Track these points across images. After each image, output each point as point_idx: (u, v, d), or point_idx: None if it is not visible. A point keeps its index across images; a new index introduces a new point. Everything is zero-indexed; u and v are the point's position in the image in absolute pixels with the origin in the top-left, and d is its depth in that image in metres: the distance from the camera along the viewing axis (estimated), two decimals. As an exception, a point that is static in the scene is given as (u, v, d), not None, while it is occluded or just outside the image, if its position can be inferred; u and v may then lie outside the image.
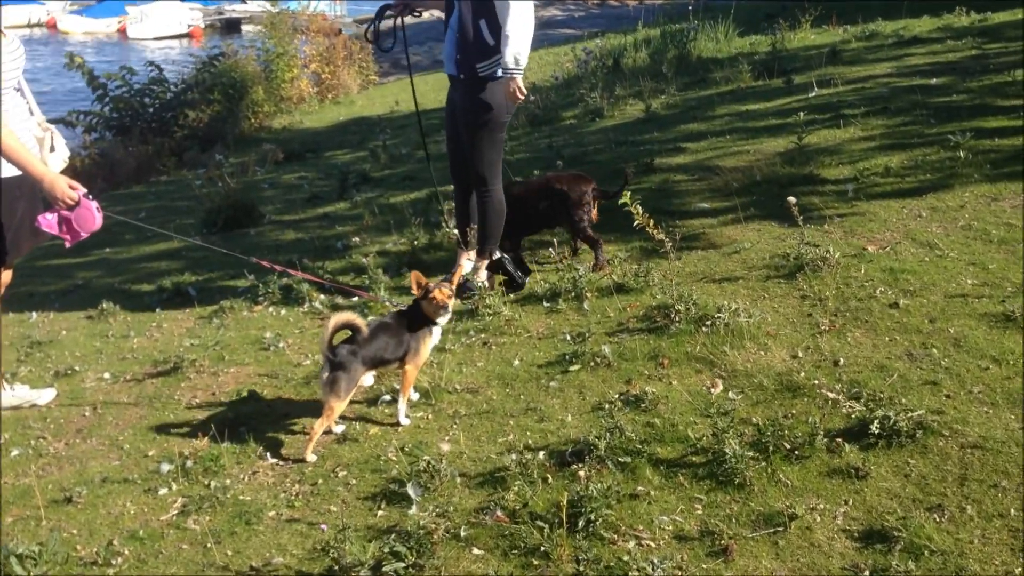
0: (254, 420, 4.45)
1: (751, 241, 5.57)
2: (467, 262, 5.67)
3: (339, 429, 4.21)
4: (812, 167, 6.64)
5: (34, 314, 6.60)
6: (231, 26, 41.29)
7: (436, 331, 4.27)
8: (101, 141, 14.20)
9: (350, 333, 4.07)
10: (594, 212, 5.85)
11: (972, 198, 5.55)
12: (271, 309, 5.98)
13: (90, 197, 4.41)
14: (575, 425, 3.91)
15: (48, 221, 4.39)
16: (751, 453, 3.35)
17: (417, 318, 4.20)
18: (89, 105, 14.47)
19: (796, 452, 3.38)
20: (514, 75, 5.00)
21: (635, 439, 3.60)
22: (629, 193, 5.38)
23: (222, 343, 5.39)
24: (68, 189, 4.31)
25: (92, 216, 4.44)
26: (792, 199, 5.07)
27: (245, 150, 14.22)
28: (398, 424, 4.18)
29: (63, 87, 23.33)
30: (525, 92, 5.09)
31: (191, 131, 14.43)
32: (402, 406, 4.21)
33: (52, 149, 4.56)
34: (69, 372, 5.36)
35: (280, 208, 9.16)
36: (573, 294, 5.20)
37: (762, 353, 4.18)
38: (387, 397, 4.40)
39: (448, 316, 4.23)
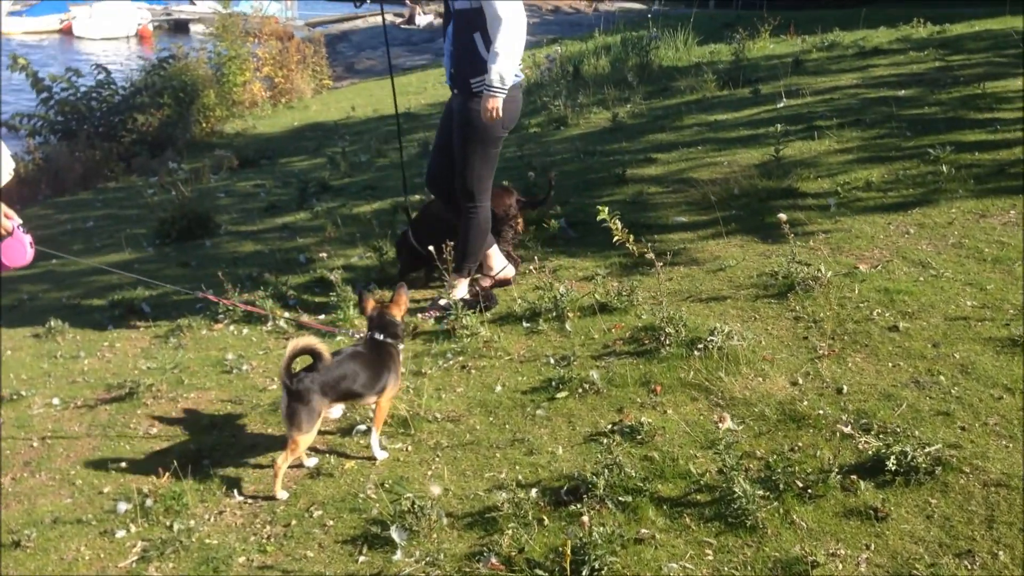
0: (218, 452, 4.16)
1: (735, 258, 5.38)
2: (459, 284, 5.39)
3: (311, 463, 3.93)
4: (791, 180, 6.48)
5: (-25, 332, 6.21)
6: (179, 27, 40.52)
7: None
8: (46, 146, 13.68)
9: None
10: (519, 224, 5.82)
11: (959, 214, 5.42)
12: (232, 328, 5.66)
13: (24, 229, 4.08)
14: (567, 459, 3.67)
15: None
16: (761, 492, 3.14)
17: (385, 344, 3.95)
18: (33, 108, 13.94)
19: (809, 491, 3.17)
20: (495, 94, 4.76)
21: (635, 476, 3.37)
22: (607, 208, 5.17)
23: (180, 365, 5.08)
24: (3, 218, 3.97)
25: (23, 251, 4.10)
26: (783, 216, 4.89)
27: (197, 156, 13.80)
28: (374, 458, 3.91)
29: (6, 89, 22.60)
30: (500, 115, 4.84)
31: (140, 136, 13.98)
32: (375, 440, 3.93)
33: None
34: (15, 397, 5.01)
35: (237, 218, 8.81)
36: (554, 314, 4.97)
37: (760, 380, 3.98)
38: (362, 427, 4.13)
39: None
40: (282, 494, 3.74)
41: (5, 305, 6.91)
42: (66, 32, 40.84)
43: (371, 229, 7.49)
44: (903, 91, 8.88)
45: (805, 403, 3.72)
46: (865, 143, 7.15)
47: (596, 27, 18.82)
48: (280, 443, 4.10)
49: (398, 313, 4.08)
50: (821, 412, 3.64)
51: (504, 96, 4.78)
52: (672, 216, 6.41)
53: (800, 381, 3.92)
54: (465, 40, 4.87)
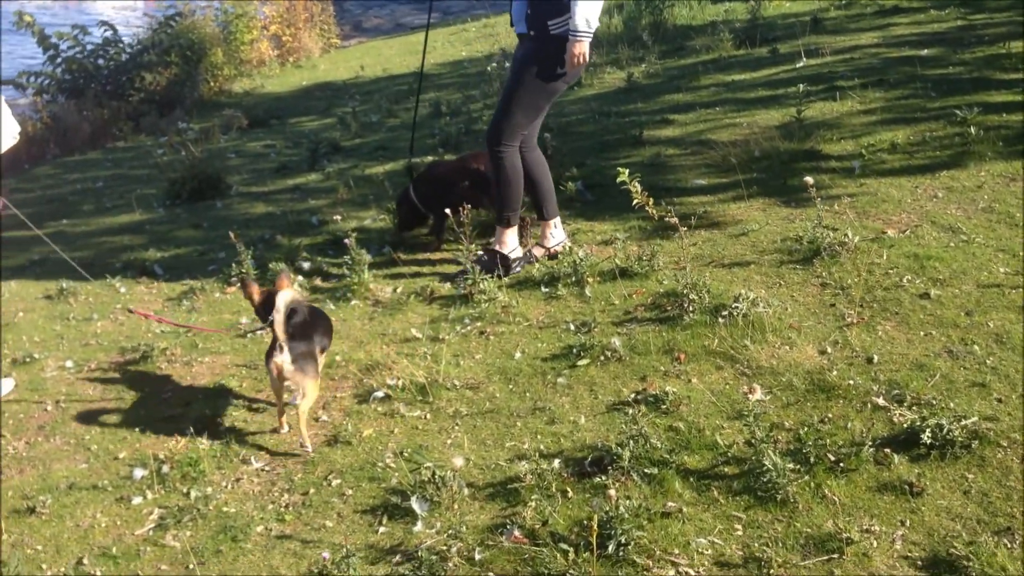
0: (234, 418, 4.09)
1: (757, 222, 5.27)
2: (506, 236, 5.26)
3: (308, 448, 3.77)
4: (813, 142, 6.34)
5: (-14, 294, 6.14)
6: (186, -16, 40.11)
7: None
8: (53, 104, 13.51)
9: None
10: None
11: (989, 178, 5.28)
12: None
13: None
14: (590, 428, 3.60)
15: None
16: (792, 465, 3.06)
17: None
18: (40, 66, 13.77)
19: (841, 464, 3.09)
20: (581, 38, 4.59)
21: (661, 447, 3.30)
22: (627, 170, 5.07)
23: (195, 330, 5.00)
24: None
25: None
26: (809, 179, 4.77)
27: (206, 115, 13.65)
28: (392, 431, 3.84)
29: (15, 47, 22.41)
30: (587, 59, 4.70)
31: (148, 95, 13.79)
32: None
33: None
34: (27, 360, 4.95)
35: (248, 179, 8.70)
36: (573, 279, 4.87)
37: (787, 348, 3.89)
38: (379, 393, 4.06)
39: None
40: (309, 447, 3.77)
41: (16, 266, 6.84)
42: (72, -12, 40.42)
43: (384, 191, 7.38)
44: (925, 50, 8.68)
45: (834, 373, 3.63)
46: (889, 104, 6.99)
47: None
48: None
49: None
50: (851, 382, 3.55)
51: (589, 40, 4.62)
52: (691, 179, 6.28)
53: (829, 350, 3.83)
54: None
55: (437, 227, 5.83)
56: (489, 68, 11.58)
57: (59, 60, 13.53)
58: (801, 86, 6.84)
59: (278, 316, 3.63)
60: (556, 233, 5.33)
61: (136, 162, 10.75)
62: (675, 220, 4.48)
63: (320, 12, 21.12)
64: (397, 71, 15.68)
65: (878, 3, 12.57)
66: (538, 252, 5.26)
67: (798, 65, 9.04)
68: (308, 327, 3.81)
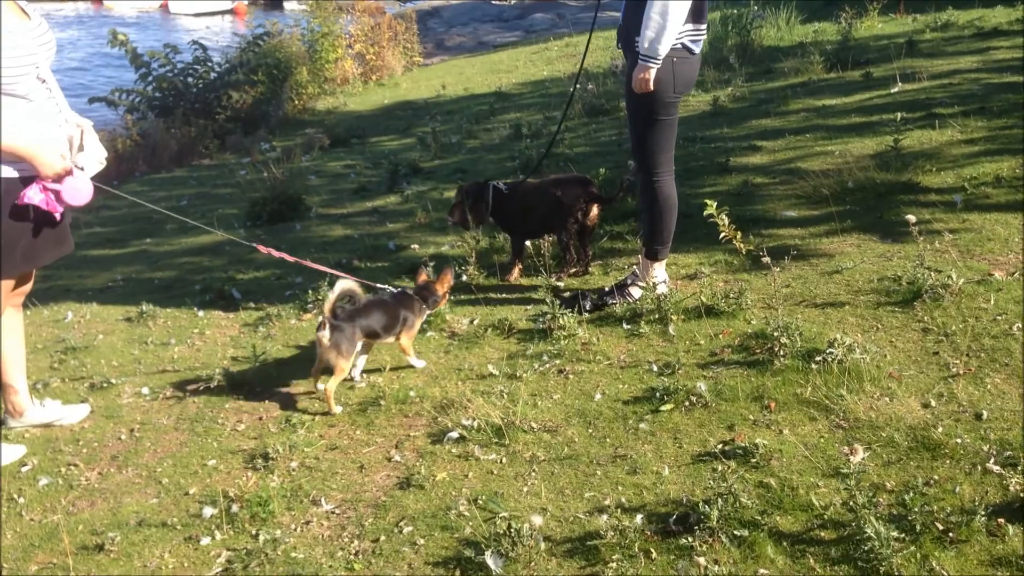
0: (304, 454, 3.99)
1: (852, 259, 5.02)
2: (654, 269, 5.04)
3: (338, 409, 4.33)
4: (910, 173, 6.06)
5: (70, 313, 6.19)
6: (274, 3, 40.87)
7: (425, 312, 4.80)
8: (143, 121, 13.81)
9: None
10: (592, 217, 5.47)
11: (1104, 217, 4.96)
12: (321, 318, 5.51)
13: (80, 167, 4.02)
14: (674, 481, 3.41)
15: (32, 196, 3.86)
16: (896, 533, 2.82)
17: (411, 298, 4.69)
18: (132, 84, 14.08)
19: (950, 534, 2.85)
20: (648, 63, 4.37)
21: (751, 507, 3.09)
22: (715, 202, 4.88)
23: (269, 357, 4.94)
24: (58, 158, 3.85)
25: (85, 185, 3.99)
26: (912, 217, 4.52)
27: (289, 134, 13.82)
28: (466, 475, 3.70)
29: (106, 64, 23.07)
30: (652, 87, 4.46)
31: (234, 113, 14.03)
32: (412, 359, 4.67)
33: (81, 148, 4.07)
34: (104, 385, 4.94)
35: (327, 200, 8.71)
36: (656, 316, 4.69)
37: (887, 400, 3.64)
38: (454, 434, 3.92)
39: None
40: (337, 408, 4.34)
41: (99, 286, 6.92)
42: (163, 9, 41.62)
43: (463, 216, 7.29)
44: (1029, 76, 8.30)
45: (940, 430, 3.38)
46: (992, 134, 6.66)
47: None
48: (370, 445, 3.96)
49: (440, 289, 4.80)
50: (959, 441, 3.29)
51: (657, 67, 4.39)
52: (780, 210, 6.05)
53: (933, 403, 3.58)
54: None
55: (516, 250, 5.70)
56: (572, 89, 11.42)
57: (150, 78, 13.81)
58: (899, 114, 6.56)
59: (329, 297, 4.30)
60: (659, 274, 5.06)
61: (220, 181, 10.89)
62: (767, 259, 4.25)
63: (404, 31, 21.32)
64: (478, 90, 15.67)
65: (976, 25, 12.13)
66: (636, 293, 5.02)
67: (893, 90, 8.73)
68: (356, 313, 4.40)
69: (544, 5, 32.49)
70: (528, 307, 5.22)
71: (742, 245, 5.05)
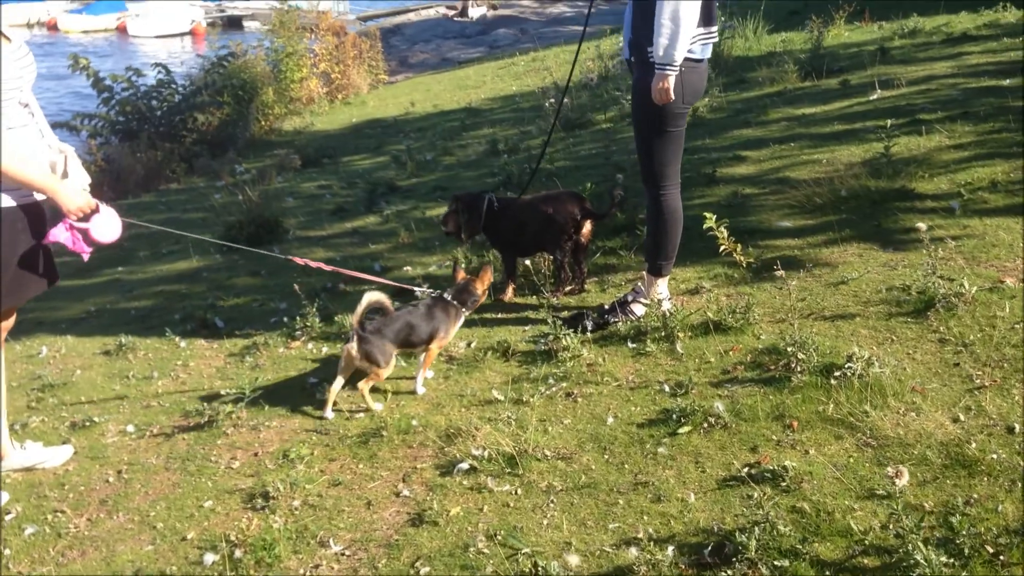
0: (307, 491, 3.80)
1: (856, 269, 4.92)
2: (658, 285, 4.91)
3: (378, 407, 4.39)
4: (904, 180, 5.98)
5: (44, 348, 5.95)
6: (233, 23, 40.60)
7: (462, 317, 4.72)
8: (107, 146, 13.52)
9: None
10: (584, 234, 5.35)
11: (1107, 219, 4.91)
12: (311, 345, 5.33)
13: (104, 203, 3.92)
14: (702, 508, 3.26)
15: (59, 235, 3.79)
16: (944, 558, 2.70)
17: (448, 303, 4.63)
18: (94, 108, 13.79)
19: (1001, 557, 2.73)
20: (666, 71, 4.24)
21: (789, 535, 2.95)
22: (714, 215, 4.77)
23: (260, 390, 4.74)
24: (87, 198, 3.77)
25: (115, 222, 3.94)
26: (922, 225, 4.43)
27: (258, 155, 13.59)
28: (481, 508, 3.53)
29: (66, 89, 22.70)
30: (673, 97, 4.34)
31: (200, 135, 13.79)
32: (419, 378, 4.55)
33: (65, 175, 3.88)
34: (87, 423, 4.71)
35: (304, 222, 8.51)
36: (662, 333, 4.56)
37: (913, 415, 3.53)
38: (464, 465, 3.75)
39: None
40: (376, 406, 4.39)
41: (72, 317, 6.67)
42: (121, 31, 41.16)
43: (444, 235, 7.13)
44: (1007, 80, 8.31)
45: (973, 445, 3.26)
46: (980, 138, 6.62)
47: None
48: (373, 480, 3.78)
49: (480, 287, 4.73)
50: (994, 456, 3.18)
51: (674, 75, 4.27)
52: (775, 220, 5.96)
53: (961, 417, 3.47)
54: (650, 3, 4.26)
55: (508, 269, 5.55)
56: (547, 104, 11.33)
57: (113, 102, 13.53)
58: (889, 121, 6.50)
59: (357, 310, 4.26)
60: (662, 290, 4.94)
61: (190, 205, 10.64)
62: (781, 272, 4.13)
63: (368, 49, 21.19)
64: (447, 107, 15.56)
65: (944, 31, 12.20)
66: (639, 310, 4.88)
67: (872, 97, 8.71)
68: (386, 324, 4.39)
69: (506, 21, 32.54)
70: (526, 327, 5.07)
71: (742, 257, 4.97)
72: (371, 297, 4.30)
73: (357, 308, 4.26)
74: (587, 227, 5.35)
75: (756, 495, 3.15)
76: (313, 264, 4.97)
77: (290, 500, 3.74)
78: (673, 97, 4.33)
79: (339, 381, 4.44)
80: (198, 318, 6.02)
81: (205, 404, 4.64)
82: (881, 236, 5.32)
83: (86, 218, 3.81)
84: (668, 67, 4.26)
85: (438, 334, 4.52)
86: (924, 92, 8.53)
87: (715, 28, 4.47)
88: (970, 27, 12.08)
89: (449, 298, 4.62)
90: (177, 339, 5.76)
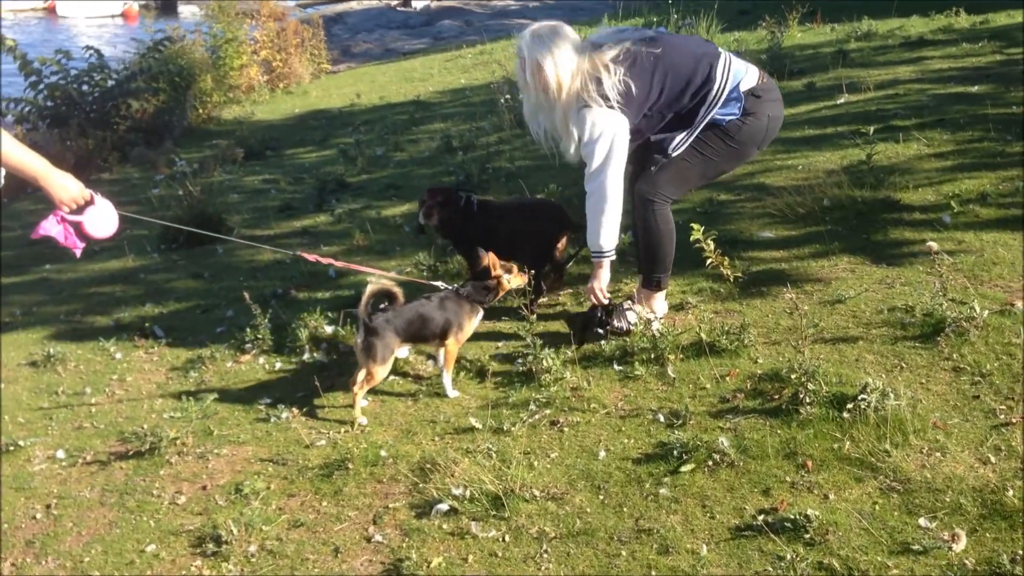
0: (264, 533, 3.38)
1: (851, 286, 4.64)
2: (654, 300, 4.66)
3: (363, 403, 4.16)
4: (887, 190, 5.73)
5: (-38, 358, 5.40)
6: (167, 7, 39.32)
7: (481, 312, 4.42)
8: (34, 133, 12.73)
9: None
10: (561, 245, 5.11)
11: (1109, 237, 4.69)
12: (262, 360, 4.89)
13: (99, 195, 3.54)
14: (716, 562, 2.92)
15: (49, 228, 3.46)
16: (1000, 630, 2.40)
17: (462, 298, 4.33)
18: (20, 92, 12.99)
19: (1063, 629, 2.44)
20: (600, 259, 4.34)
21: (824, 600, 2.63)
22: (701, 227, 4.46)
23: (207, 413, 4.28)
24: (81, 187, 3.42)
25: (112, 215, 3.59)
26: (933, 244, 4.16)
27: (197, 145, 12.95)
28: (464, 558, 3.15)
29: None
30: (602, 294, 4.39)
31: (135, 123, 13.06)
32: (447, 379, 4.26)
33: None
34: (11, 448, 4.23)
35: (250, 220, 8.00)
36: (652, 355, 4.21)
37: (938, 455, 3.23)
38: (443, 506, 3.36)
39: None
40: (362, 420, 4.07)
41: (-6, 322, 6.11)
42: (50, 11, 39.72)
43: (404, 236, 6.73)
44: (975, 87, 8.15)
45: (1011, 492, 2.97)
46: (961, 147, 6.40)
47: (603, 12, 18.08)
48: (339, 520, 3.37)
49: (503, 286, 4.40)
50: (1036, 506, 2.90)
51: (612, 260, 4.34)
52: (755, 230, 5.66)
53: (992, 459, 3.18)
54: None
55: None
56: (502, 101, 10.93)
57: (41, 87, 12.76)
58: (872, 128, 6.24)
59: (363, 298, 3.99)
60: (660, 306, 4.68)
61: (124, 197, 9.99)
62: (792, 295, 3.82)
63: (311, 37, 20.53)
64: (394, 99, 15.06)
65: (899, 35, 12.09)
66: (632, 317, 4.56)
67: (840, 101, 8.49)
68: (396, 316, 4.11)
69: (451, 12, 32.01)
70: (499, 343, 4.70)
71: (729, 272, 4.66)
72: (376, 285, 4.06)
73: (363, 296, 3.99)
74: (564, 240, 5.05)
75: (778, 548, 2.82)
76: (324, 260, 4.64)
77: (245, 544, 3.32)
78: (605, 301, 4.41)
79: (361, 372, 4.12)
80: (135, 327, 5.52)
81: (145, 427, 4.18)
82: (871, 250, 5.05)
83: (80, 210, 3.46)
84: (603, 256, 4.29)
85: (452, 328, 4.23)
86: (892, 97, 8.33)
87: (696, 129, 4.28)
88: (925, 31, 12.00)
89: (464, 292, 4.35)
90: (112, 349, 5.26)
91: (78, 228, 3.52)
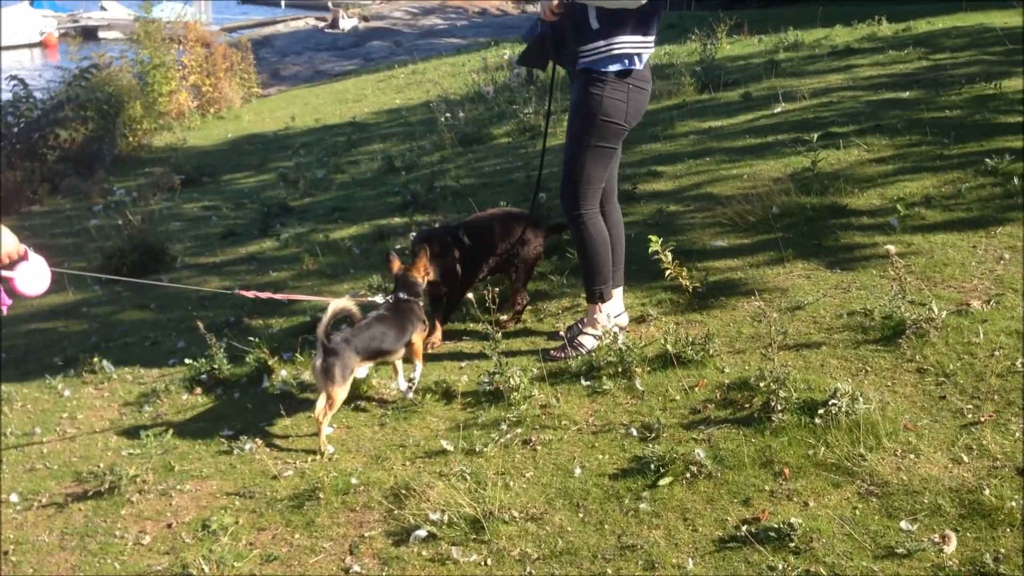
0: (238, 570, 3.29)
1: (808, 292, 4.69)
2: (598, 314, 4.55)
3: (328, 431, 4.08)
4: (834, 196, 5.82)
5: (-101, 402, 5.18)
6: (88, 34, 38.56)
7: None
8: (-42, 166, 12.38)
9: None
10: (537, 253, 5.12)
11: (1052, 235, 4.82)
12: (219, 390, 4.78)
13: (32, 250, 3.40)
14: (704, 575, 2.91)
15: None
16: (993, 630, 2.42)
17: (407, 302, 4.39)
18: (-59, 125, 12.63)
19: (1054, 625, 2.47)
20: None
21: (818, 608, 2.63)
22: (659, 239, 4.49)
23: (167, 447, 4.16)
24: (15, 242, 3.26)
25: (44, 273, 3.46)
26: (891, 247, 4.21)
27: (129, 173, 12.71)
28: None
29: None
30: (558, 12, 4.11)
31: (64, 153, 12.76)
32: (415, 373, 4.39)
33: None
34: (-40, 494, 4.05)
35: (193, 248, 7.85)
36: (619, 369, 4.20)
37: (912, 457, 3.27)
38: (421, 532, 3.30)
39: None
40: (329, 448, 3.98)
41: (-69, 364, 5.87)
42: (-35, 41, 38.64)
43: (353, 259, 6.66)
44: (907, 93, 8.34)
45: (987, 491, 3.01)
46: (900, 152, 6.54)
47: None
48: (311, 553, 3.29)
49: (418, 275, 4.45)
50: (1014, 504, 2.94)
51: None
52: (707, 240, 5.70)
53: (964, 458, 3.22)
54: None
55: (451, 310, 5.09)
56: (442, 119, 10.90)
57: (-37, 118, 12.42)
58: (815, 135, 6.35)
59: (322, 320, 3.95)
60: (615, 307, 4.64)
61: (58, 229, 9.77)
62: (760, 303, 3.84)
63: (240, 60, 20.31)
64: (330, 121, 14.97)
65: (826, 44, 12.36)
66: (589, 343, 4.52)
67: (776, 110, 8.63)
68: (353, 334, 4.09)
69: (379, 33, 31.93)
70: (462, 364, 4.65)
71: (688, 282, 4.70)
72: (337, 305, 4.02)
73: (323, 317, 3.96)
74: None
75: (765, 559, 2.82)
76: (263, 295, 4.61)
77: (218, 584, 3.22)
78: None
79: (322, 399, 4.02)
80: (82, 361, 5.35)
81: (102, 466, 4.05)
82: (824, 255, 5.12)
83: (11, 265, 3.31)
84: None
85: (410, 332, 4.31)
86: (827, 105, 8.49)
87: (652, 38, 4.18)
88: (850, 40, 12.28)
89: (404, 296, 4.41)
90: (60, 387, 5.10)
91: (7, 284, 3.38)
